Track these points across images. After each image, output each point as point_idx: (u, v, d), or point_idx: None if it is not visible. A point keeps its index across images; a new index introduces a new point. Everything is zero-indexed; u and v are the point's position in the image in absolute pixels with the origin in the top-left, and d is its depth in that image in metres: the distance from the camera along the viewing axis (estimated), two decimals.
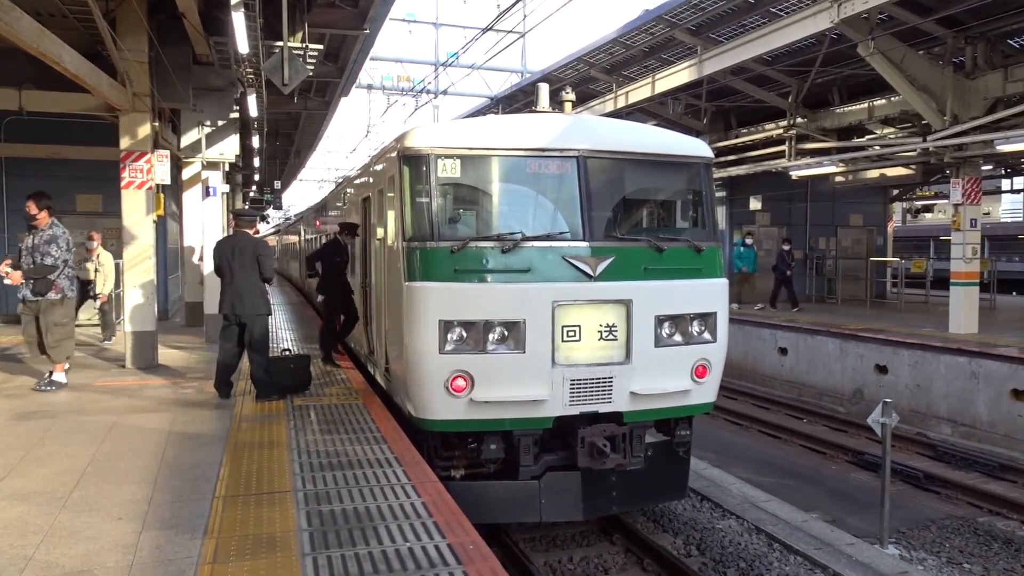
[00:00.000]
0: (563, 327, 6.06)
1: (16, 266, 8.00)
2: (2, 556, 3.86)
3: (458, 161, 6.29)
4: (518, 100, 23.03)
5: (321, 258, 9.88)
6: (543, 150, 6.40)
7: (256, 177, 28.38)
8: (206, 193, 12.73)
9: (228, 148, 12.33)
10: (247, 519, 4.36)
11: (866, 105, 15.83)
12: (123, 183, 9.42)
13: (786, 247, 18.64)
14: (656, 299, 6.36)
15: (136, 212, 9.49)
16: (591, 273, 6.13)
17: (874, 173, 19.57)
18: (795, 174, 17.68)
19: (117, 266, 11.57)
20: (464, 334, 5.96)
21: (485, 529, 5.25)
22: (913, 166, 18.38)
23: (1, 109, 9.72)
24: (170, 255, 16.09)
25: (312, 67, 10.41)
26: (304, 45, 10.00)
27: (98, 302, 11.49)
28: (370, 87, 28.91)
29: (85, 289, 11.53)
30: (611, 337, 6.21)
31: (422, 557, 3.86)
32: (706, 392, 6.74)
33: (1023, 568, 7.29)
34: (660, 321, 6.38)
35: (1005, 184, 26.17)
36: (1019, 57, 12.99)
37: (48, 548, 3.97)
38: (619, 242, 6.41)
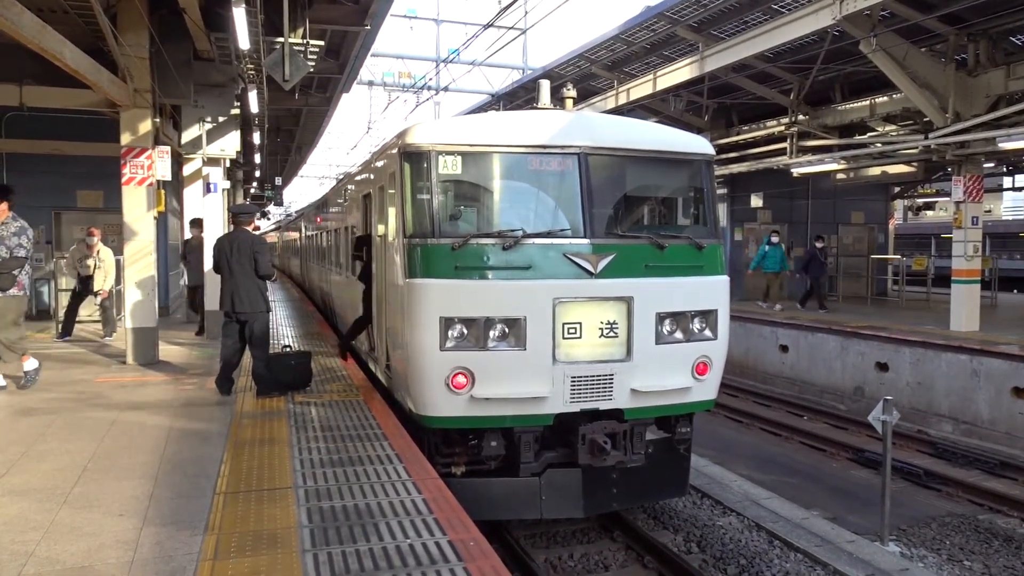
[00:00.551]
0: (564, 324, 6.06)
1: None
2: (3, 552, 3.86)
3: (459, 157, 6.28)
4: (519, 97, 22.99)
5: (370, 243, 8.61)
6: (544, 147, 6.39)
7: (257, 173, 28.36)
8: (207, 189, 12.73)
9: (229, 144, 12.33)
10: (248, 515, 4.36)
11: (868, 102, 15.79)
12: (124, 179, 9.41)
13: (819, 244, 17.75)
14: (657, 296, 6.36)
15: (137, 208, 9.48)
16: (592, 270, 6.12)
17: (875, 170, 19.54)
18: (796, 171, 17.64)
19: (118, 262, 11.57)
20: (465, 331, 5.96)
21: (486, 526, 5.24)
22: (915, 163, 18.35)
23: (2, 105, 9.71)
24: (171, 251, 16.10)
25: (313, 63, 10.41)
26: (305, 41, 9.99)
27: (99, 298, 11.49)
28: (371, 83, 28.91)
29: (86, 285, 11.53)
30: (612, 334, 6.20)
31: (423, 554, 3.86)
32: (707, 389, 6.74)
33: (1023, 565, 7.30)
34: (661, 318, 6.37)
35: (1007, 182, 26.13)
36: (1021, 54, 12.96)
37: (49, 544, 3.97)
38: (620, 239, 6.40)
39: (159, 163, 9.86)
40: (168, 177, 10.46)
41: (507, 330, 5.98)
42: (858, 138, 16.75)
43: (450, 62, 23.12)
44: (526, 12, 15.35)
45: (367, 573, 3.63)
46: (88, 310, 12.60)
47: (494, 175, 6.54)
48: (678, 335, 6.50)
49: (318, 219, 16.97)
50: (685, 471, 7.22)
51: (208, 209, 12.78)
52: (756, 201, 20.42)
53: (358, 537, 4.06)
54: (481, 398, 5.99)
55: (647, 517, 7.71)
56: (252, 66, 11.25)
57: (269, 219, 50.27)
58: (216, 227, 12.32)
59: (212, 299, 10.76)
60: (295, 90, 14.89)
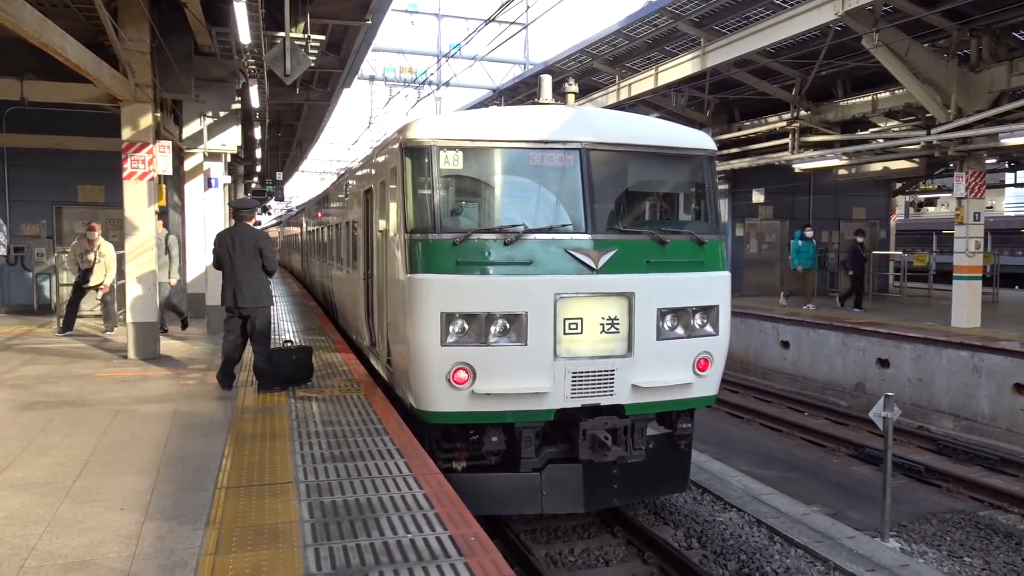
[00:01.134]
0: (565, 320, 6.06)
1: None
2: (4, 546, 3.87)
3: (460, 153, 6.28)
4: (520, 92, 22.96)
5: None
6: (546, 142, 6.38)
7: (258, 168, 28.35)
8: (208, 184, 12.72)
9: (230, 139, 12.31)
10: (249, 510, 4.36)
11: (870, 98, 15.78)
12: (125, 174, 9.41)
13: (860, 239, 16.88)
14: (658, 292, 6.35)
15: (138, 203, 9.48)
16: (593, 266, 6.11)
17: (877, 166, 19.48)
18: (798, 167, 17.62)
19: (119, 257, 11.56)
20: (466, 326, 5.96)
21: (486, 521, 5.25)
22: (917, 159, 18.29)
23: (3, 99, 9.70)
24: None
25: (314, 58, 10.39)
26: (306, 36, 9.97)
27: (100, 293, 11.50)
28: (372, 78, 28.84)
29: (86, 279, 11.53)
30: (613, 330, 6.20)
31: (423, 549, 3.86)
32: (708, 385, 6.74)
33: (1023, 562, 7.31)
34: (662, 314, 6.36)
35: (1009, 178, 26.07)
36: None
37: (50, 538, 3.98)
38: (621, 235, 6.40)
39: (160, 158, 9.85)
40: (169, 172, 10.46)
41: (508, 326, 5.98)
42: (860, 134, 16.73)
43: (451, 57, 23.08)
44: (528, 7, 15.33)
45: (368, 568, 3.64)
46: (89, 304, 12.62)
47: (495, 170, 6.52)
48: (679, 331, 6.49)
49: (319, 214, 16.96)
50: (686, 467, 7.22)
51: (209, 204, 12.77)
52: (757, 197, 20.39)
53: (359, 532, 4.06)
54: (482, 393, 5.99)
55: (648, 513, 7.72)
56: (253, 61, 11.24)
57: (270, 214, 50.26)
58: (217, 222, 12.33)
59: (213, 295, 10.77)
60: (296, 85, 14.87)
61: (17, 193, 13.96)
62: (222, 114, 12.06)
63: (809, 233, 17.20)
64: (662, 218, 7.39)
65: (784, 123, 17.27)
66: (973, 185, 13.46)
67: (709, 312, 6.63)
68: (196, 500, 4.55)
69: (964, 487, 9.20)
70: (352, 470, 5.11)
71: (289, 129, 24.70)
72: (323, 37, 11.22)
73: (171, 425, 6.30)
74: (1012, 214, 40.96)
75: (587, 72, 19.39)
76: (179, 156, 13.21)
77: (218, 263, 7.58)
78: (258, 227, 9.08)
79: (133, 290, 9.58)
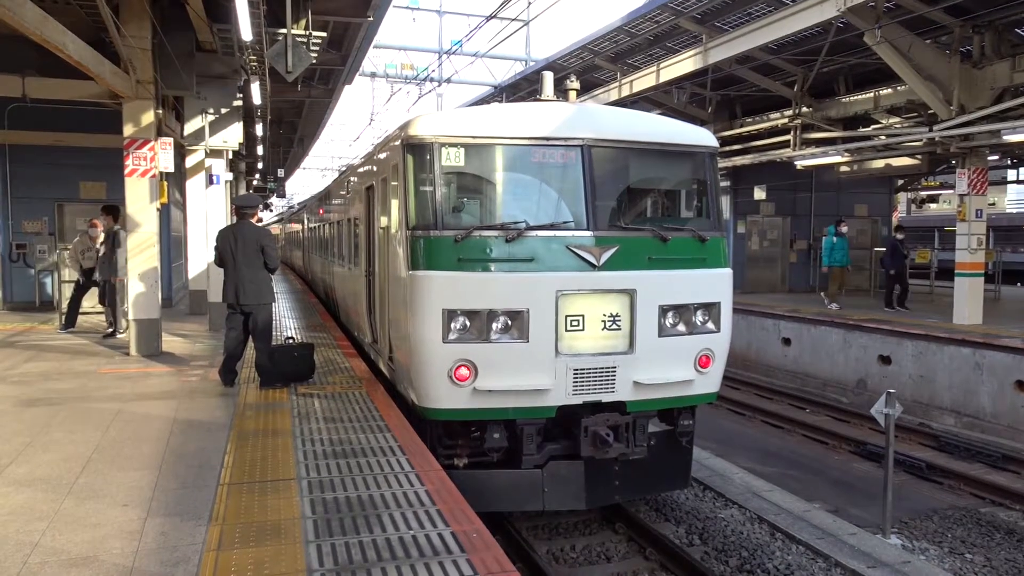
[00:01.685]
0: (567, 316, 6.06)
1: None
2: (8, 542, 3.88)
3: (462, 150, 6.27)
4: (522, 88, 22.94)
5: None
6: (547, 139, 6.37)
7: (259, 165, 28.36)
8: (209, 181, 12.73)
9: (231, 136, 12.32)
10: (251, 506, 4.37)
11: (872, 95, 15.73)
12: (127, 171, 9.42)
13: (900, 236, 16.09)
14: (660, 289, 6.35)
15: (140, 200, 9.49)
16: (595, 262, 6.11)
17: (879, 163, 19.45)
18: (800, 164, 17.60)
19: (118, 252, 11.55)
20: (468, 323, 5.96)
21: (488, 518, 5.26)
22: (919, 156, 18.25)
23: (4, 96, 9.70)
24: (173, 243, 16.11)
25: (315, 55, 10.38)
26: (307, 33, 9.97)
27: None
28: (373, 75, 28.79)
29: (89, 276, 11.54)
30: (615, 327, 6.20)
31: (425, 545, 3.87)
32: (709, 382, 6.74)
33: None
34: (664, 311, 6.36)
35: (1011, 174, 26.00)
36: None
37: (54, 534, 3.99)
38: (623, 231, 6.40)
39: (162, 155, 9.85)
40: (171, 169, 10.46)
41: (510, 322, 5.99)
42: (862, 130, 16.69)
43: (453, 54, 23.05)
44: (529, 3, 15.28)
45: (370, 564, 3.65)
46: (92, 301, 12.64)
47: (497, 167, 6.52)
48: (681, 328, 6.49)
49: (321, 211, 16.97)
50: (687, 463, 7.22)
51: (211, 201, 12.79)
52: (759, 194, 20.39)
53: (361, 528, 4.07)
54: (484, 390, 5.99)
55: (649, 509, 7.73)
56: (255, 57, 11.24)
57: (272, 211, 50.27)
58: (219, 219, 12.34)
59: (215, 291, 10.78)
60: (297, 82, 14.83)
61: (19, 190, 13.97)
62: (224, 111, 12.07)
63: (844, 228, 16.33)
64: (664, 215, 7.37)
65: (786, 120, 17.24)
66: (975, 182, 13.43)
67: (711, 309, 6.63)
68: (198, 496, 4.56)
69: (965, 484, 9.21)
70: (354, 466, 5.12)
71: (290, 126, 24.70)
72: (324, 34, 11.22)
73: (173, 422, 6.32)
74: (1014, 211, 40.84)
75: (588, 69, 19.36)
76: (181, 153, 13.23)
77: (220, 260, 7.58)
78: (260, 224, 9.07)
79: (135, 287, 9.59)
